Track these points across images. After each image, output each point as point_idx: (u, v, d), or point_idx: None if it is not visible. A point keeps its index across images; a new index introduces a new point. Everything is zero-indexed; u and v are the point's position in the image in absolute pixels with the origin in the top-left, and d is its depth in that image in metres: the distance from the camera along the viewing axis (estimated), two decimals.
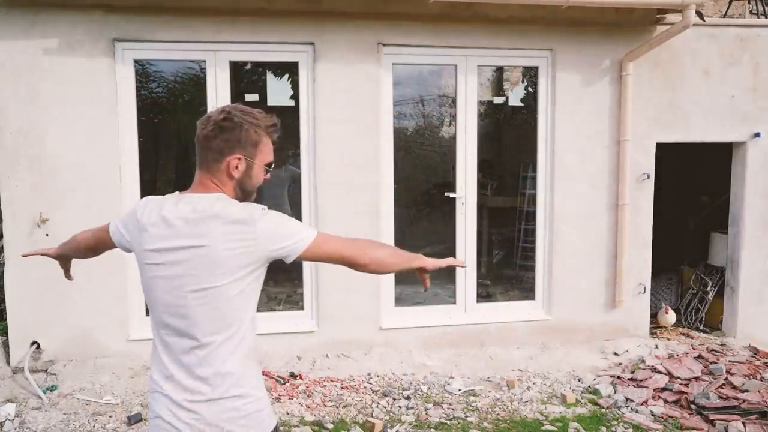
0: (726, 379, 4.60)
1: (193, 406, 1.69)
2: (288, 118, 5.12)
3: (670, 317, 5.89)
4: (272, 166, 1.85)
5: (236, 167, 1.75)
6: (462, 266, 2.16)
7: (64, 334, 4.70)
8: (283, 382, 4.56)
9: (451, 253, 5.29)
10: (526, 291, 5.64)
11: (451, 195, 5.27)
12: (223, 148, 1.73)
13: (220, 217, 1.66)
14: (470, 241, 5.29)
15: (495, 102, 6.01)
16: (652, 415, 4.19)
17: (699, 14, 4.92)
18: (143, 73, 5.06)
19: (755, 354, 5.24)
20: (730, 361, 5.00)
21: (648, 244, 5.46)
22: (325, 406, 4.25)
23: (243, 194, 1.81)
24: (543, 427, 4.04)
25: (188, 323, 1.70)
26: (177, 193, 1.80)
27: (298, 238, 1.71)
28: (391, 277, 5.20)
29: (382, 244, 1.92)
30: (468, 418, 4.13)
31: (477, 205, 5.32)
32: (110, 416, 4.05)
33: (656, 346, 5.31)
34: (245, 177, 1.78)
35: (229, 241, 1.65)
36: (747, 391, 4.38)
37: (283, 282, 5.94)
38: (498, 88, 6.13)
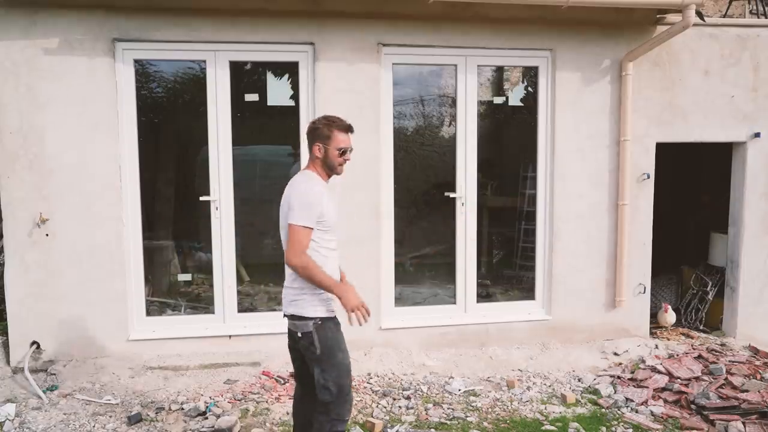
0: (726, 379, 4.60)
1: None
2: (288, 118, 5.12)
3: (670, 316, 5.89)
4: (345, 151, 2.97)
5: (318, 151, 2.97)
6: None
7: (64, 334, 4.70)
8: (283, 382, 4.56)
9: (451, 252, 5.30)
10: (526, 291, 5.64)
11: (451, 195, 5.27)
12: (310, 141, 3.01)
13: (291, 184, 2.98)
14: (470, 241, 5.29)
15: (495, 102, 6.00)
16: (652, 415, 4.19)
17: (699, 14, 4.92)
18: (143, 73, 5.06)
19: (755, 354, 5.24)
20: (730, 361, 5.00)
21: (648, 244, 5.46)
22: None
23: (328, 168, 3.00)
24: (543, 427, 4.04)
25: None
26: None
27: (291, 216, 2.85)
28: (391, 277, 5.20)
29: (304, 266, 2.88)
30: (468, 418, 4.13)
31: (477, 205, 5.32)
32: (110, 416, 4.05)
33: (656, 346, 5.31)
34: (326, 157, 2.97)
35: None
36: (747, 391, 4.38)
37: (283, 282, 5.93)
38: (498, 88, 6.12)
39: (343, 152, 2.95)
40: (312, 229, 2.84)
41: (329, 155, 2.94)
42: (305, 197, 2.84)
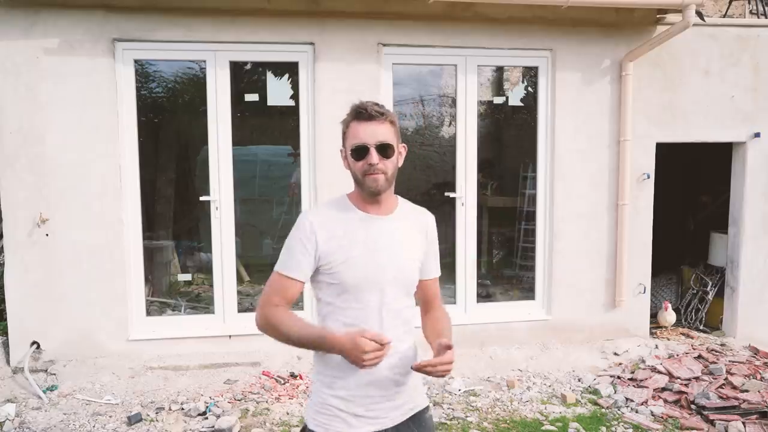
0: (726, 379, 4.60)
1: None
2: (288, 118, 5.12)
3: (670, 315, 5.89)
4: (363, 150, 1.82)
5: (343, 159, 1.90)
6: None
7: (64, 334, 4.69)
8: (283, 382, 4.56)
9: (452, 252, 5.30)
10: (526, 291, 5.64)
11: (451, 195, 5.27)
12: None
13: None
14: (470, 241, 5.29)
15: (495, 102, 6.02)
16: (652, 415, 4.19)
17: (699, 14, 4.92)
18: (143, 73, 5.07)
19: (755, 354, 5.24)
20: (730, 361, 5.00)
21: (648, 244, 5.46)
22: None
23: (356, 185, 1.90)
24: (543, 427, 4.04)
25: None
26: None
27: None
28: None
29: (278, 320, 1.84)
30: (468, 418, 4.13)
31: (477, 205, 5.32)
32: (110, 416, 4.05)
33: (656, 346, 5.31)
34: (348, 167, 1.88)
35: None
36: (747, 391, 4.38)
37: None
38: (498, 88, 6.13)
39: (360, 152, 1.81)
40: (285, 277, 1.83)
41: (349, 164, 1.87)
42: (291, 233, 1.89)
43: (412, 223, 1.99)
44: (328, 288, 1.86)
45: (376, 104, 1.87)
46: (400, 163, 1.94)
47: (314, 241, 1.82)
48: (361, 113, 1.83)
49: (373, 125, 1.83)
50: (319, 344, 1.77)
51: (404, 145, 1.98)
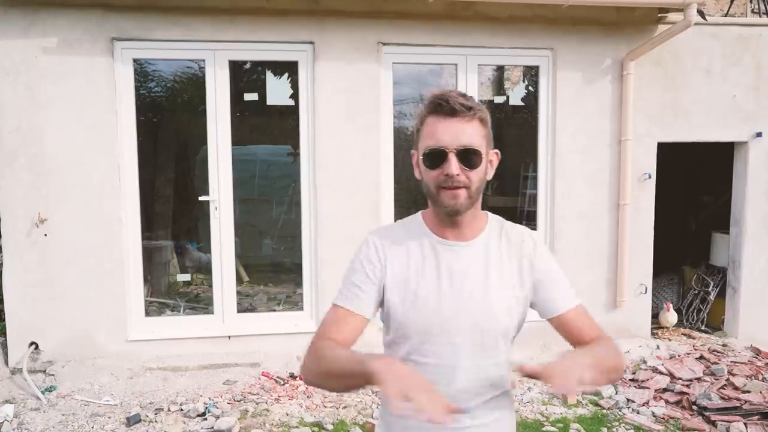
0: (728, 379, 4.58)
1: None
2: (287, 117, 5.11)
3: (671, 316, 5.86)
4: (439, 154, 1.37)
5: (415, 165, 1.49)
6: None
7: (63, 335, 4.68)
8: (282, 382, 4.54)
9: None
10: None
11: None
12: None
13: None
14: None
15: (496, 101, 5.99)
16: (654, 415, 4.17)
17: (700, 13, 4.90)
18: (142, 72, 5.05)
19: (757, 354, 5.22)
20: (731, 361, 4.98)
21: (649, 244, 5.44)
22: (325, 407, 4.24)
23: (430, 201, 1.48)
24: (544, 428, 4.02)
25: None
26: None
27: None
28: None
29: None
30: None
31: None
32: (109, 417, 4.04)
33: (657, 347, 5.29)
34: (420, 177, 1.46)
35: None
36: (749, 391, 4.36)
37: (283, 282, 5.93)
38: (499, 87, 6.11)
39: (435, 158, 1.39)
40: (340, 308, 1.50)
41: (420, 171, 1.47)
42: (353, 256, 1.55)
43: (504, 248, 1.52)
44: (389, 333, 1.52)
45: (463, 95, 1.40)
46: (490, 176, 1.47)
47: (380, 268, 1.47)
48: (441, 106, 1.38)
49: (456, 123, 1.37)
50: (359, 368, 1.27)
51: (496, 151, 1.48)
